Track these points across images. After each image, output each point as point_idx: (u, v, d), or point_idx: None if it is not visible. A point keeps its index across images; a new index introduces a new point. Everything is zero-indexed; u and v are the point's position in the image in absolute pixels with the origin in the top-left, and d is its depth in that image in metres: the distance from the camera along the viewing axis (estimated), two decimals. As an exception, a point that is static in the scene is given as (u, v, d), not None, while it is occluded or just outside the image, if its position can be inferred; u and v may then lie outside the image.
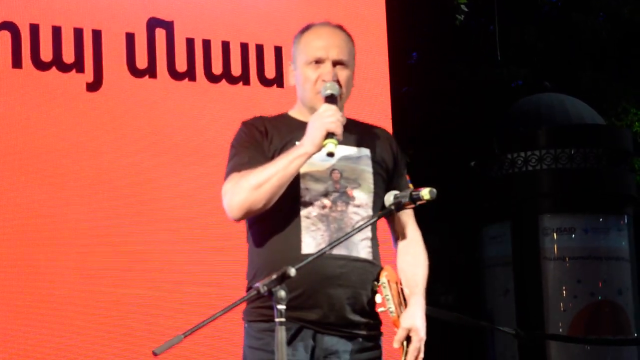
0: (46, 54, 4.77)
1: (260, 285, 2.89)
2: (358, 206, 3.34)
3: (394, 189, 3.38)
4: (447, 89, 9.38)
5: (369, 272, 3.34)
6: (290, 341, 3.18)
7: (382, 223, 3.43)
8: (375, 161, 3.41)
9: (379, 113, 5.41)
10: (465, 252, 8.92)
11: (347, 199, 3.32)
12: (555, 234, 8.03)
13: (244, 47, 5.18)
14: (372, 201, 3.37)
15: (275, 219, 3.27)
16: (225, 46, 5.11)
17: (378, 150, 3.43)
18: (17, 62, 4.73)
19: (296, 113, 3.45)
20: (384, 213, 3.22)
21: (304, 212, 3.28)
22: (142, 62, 4.95)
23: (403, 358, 3.31)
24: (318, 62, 3.35)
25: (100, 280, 4.73)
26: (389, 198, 3.20)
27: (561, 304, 7.96)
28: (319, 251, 3.15)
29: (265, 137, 3.34)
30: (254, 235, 3.35)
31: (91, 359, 4.67)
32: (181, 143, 4.96)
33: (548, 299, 7.96)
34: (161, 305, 4.81)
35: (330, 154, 3.19)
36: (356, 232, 3.31)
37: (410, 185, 3.47)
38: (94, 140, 4.81)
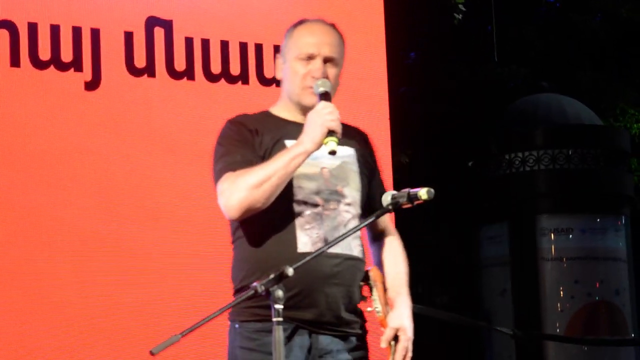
0: (44, 53, 4.77)
1: (258, 285, 2.89)
2: (349, 204, 3.34)
3: (373, 187, 3.42)
4: (445, 89, 9.38)
5: (359, 270, 3.36)
6: (286, 341, 3.17)
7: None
8: (359, 160, 3.42)
9: (377, 113, 5.41)
10: (462, 252, 8.92)
11: (339, 197, 3.33)
12: (552, 235, 8.03)
13: (243, 47, 5.17)
14: (360, 199, 3.39)
15: (268, 218, 3.25)
16: (224, 45, 5.10)
17: (360, 149, 3.45)
18: (15, 61, 4.72)
19: (280, 110, 3.44)
20: (381, 213, 3.22)
21: (298, 210, 3.27)
22: (140, 61, 4.94)
23: (391, 358, 3.32)
24: (309, 58, 3.36)
25: (97, 280, 4.72)
26: (387, 198, 3.19)
27: (558, 304, 7.97)
28: (317, 250, 3.15)
29: (256, 136, 3.33)
30: (247, 234, 3.31)
31: (89, 358, 4.66)
32: (180, 142, 4.95)
33: (545, 299, 7.96)
34: (159, 305, 4.80)
35: (333, 152, 3.19)
36: (355, 232, 3.32)
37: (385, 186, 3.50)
38: (92, 140, 4.80)
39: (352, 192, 3.36)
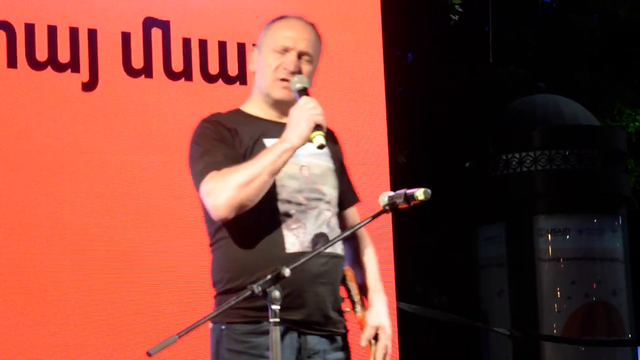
0: (41, 54, 4.77)
1: (255, 286, 2.89)
2: (328, 202, 3.32)
3: (344, 184, 3.41)
4: (443, 90, 9.39)
5: (341, 268, 3.36)
6: None
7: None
8: (332, 157, 3.39)
9: (374, 113, 5.41)
10: (460, 252, 8.92)
11: (319, 195, 3.30)
12: (549, 235, 8.04)
13: (241, 47, 5.17)
14: (336, 196, 3.37)
15: (253, 218, 3.20)
16: (222, 46, 5.10)
17: (332, 146, 3.41)
18: (12, 62, 4.72)
19: (252, 108, 3.40)
20: (378, 214, 3.21)
21: (283, 210, 3.24)
22: (138, 62, 4.94)
23: (372, 356, 3.33)
24: (284, 50, 3.33)
25: (95, 279, 4.72)
26: (383, 199, 3.19)
27: (555, 305, 7.97)
28: (314, 250, 3.15)
29: (236, 136, 3.28)
30: (231, 235, 3.26)
31: (86, 358, 4.66)
32: (178, 143, 4.94)
33: (542, 300, 7.97)
34: (156, 305, 4.80)
35: (322, 146, 3.16)
36: (351, 232, 3.32)
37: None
38: (90, 140, 4.80)
39: (330, 189, 3.34)
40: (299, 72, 3.30)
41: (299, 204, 3.26)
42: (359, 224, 3.26)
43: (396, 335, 5.34)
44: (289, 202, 3.25)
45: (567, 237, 8.03)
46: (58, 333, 4.64)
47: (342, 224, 3.43)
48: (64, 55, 4.80)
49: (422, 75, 9.45)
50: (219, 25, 5.09)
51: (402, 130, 7.52)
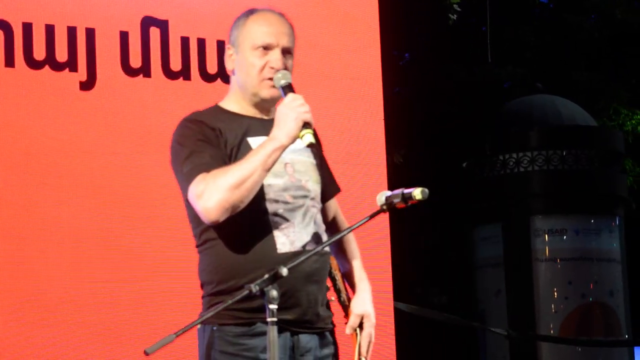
0: (39, 53, 4.76)
1: (253, 285, 2.89)
2: (313, 198, 3.30)
3: (325, 177, 3.38)
4: (440, 90, 9.40)
5: (329, 264, 3.35)
6: None
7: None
8: (313, 151, 3.34)
9: (371, 113, 5.40)
10: (457, 252, 8.93)
11: (305, 192, 3.28)
12: (546, 235, 8.05)
13: (239, 47, 5.16)
14: (320, 192, 3.35)
15: (243, 219, 3.16)
16: (221, 45, 5.08)
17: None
18: (9, 61, 4.71)
19: (232, 105, 3.36)
20: (375, 214, 3.21)
21: (271, 210, 3.21)
22: (136, 61, 4.94)
23: (357, 344, 3.34)
24: (265, 48, 3.27)
25: (93, 279, 4.72)
26: (381, 198, 3.18)
27: (552, 305, 7.98)
28: (313, 250, 3.14)
29: (221, 135, 3.24)
30: (220, 236, 3.21)
31: (84, 358, 4.66)
32: (175, 142, 4.94)
33: (539, 300, 7.97)
34: (154, 304, 4.80)
35: (311, 145, 3.14)
36: (348, 233, 3.32)
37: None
38: (87, 140, 4.80)
39: (314, 185, 3.32)
40: (284, 69, 3.26)
41: (286, 203, 3.23)
42: (356, 223, 3.24)
43: (393, 335, 5.34)
44: (276, 201, 3.22)
45: (564, 237, 8.04)
46: (56, 333, 4.63)
47: (324, 215, 3.41)
48: (61, 55, 4.80)
49: (419, 76, 9.46)
50: (217, 24, 5.08)
51: (399, 130, 7.53)
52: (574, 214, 8.09)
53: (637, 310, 8.73)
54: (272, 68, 3.25)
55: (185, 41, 5.03)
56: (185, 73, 5.02)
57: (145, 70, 4.94)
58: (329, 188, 3.45)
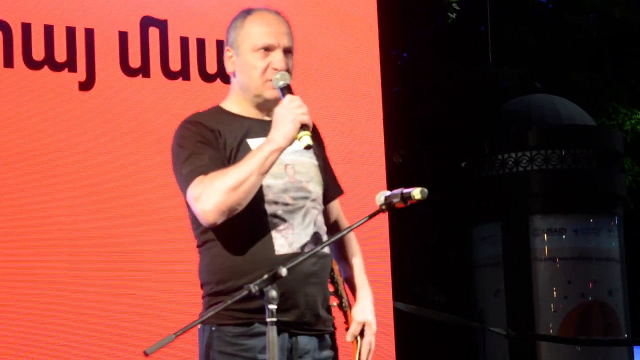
0: (38, 53, 4.76)
1: (252, 285, 2.89)
2: (314, 200, 3.28)
3: (328, 178, 3.37)
4: (439, 90, 9.41)
5: (329, 266, 3.34)
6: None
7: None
8: (315, 152, 3.33)
9: (370, 113, 5.40)
10: (456, 252, 8.94)
11: (305, 193, 3.26)
12: (545, 235, 8.06)
13: (238, 47, 5.16)
14: (322, 193, 3.33)
15: (241, 220, 3.15)
16: (220, 45, 5.08)
17: (314, 142, 3.30)
18: (8, 61, 4.71)
19: (233, 106, 3.35)
20: (374, 214, 3.20)
21: (270, 211, 3.20)
22: (135, 61, 4.94)
23: (357, 352, 3.34)
24: (266, 49, 3.25)
25: (92, 279, 4.72)
26: (380, 198, 3.17)
27: (552, 305, 7.99)
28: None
29: (219, 137, 3.23)
30: (219, 238, 3.21)
31: (83, 358, 4.66)
32: (174, 142, 4.94)
33: (538, 300, 7.98)
34: (153, 304, 4.80)
35: (309, 147, 3.12)
36: (347, 233, 3.32)
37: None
38: (86, 140, 4.80)
39: (316, 187, 3.30)
40: (286, 70, 3.24)
41: (286, 204, 3.22)
42: (355, 223, 3.23)
43: (392, 334, 5.34)
44: (275, 202, 3.21)
45: (563, 236, 8.05)
46: (55, 333, 4.63)
47: (326, 217, 3.40)
48: (60, 55, 4.80)
49: (418, 75, 9.46)
50: (216, 24, 5.08)
51: (398, 129, 7.53)
52: (573, 214, 8.10)
53: (636, 309, 8.74)
54: (275, 69, 3.24)
55: (184, 41, 5.03)
56: (184, 73, 5.01)
57: (144, 70, 4.94)
58: (331, 190, 3.44)
